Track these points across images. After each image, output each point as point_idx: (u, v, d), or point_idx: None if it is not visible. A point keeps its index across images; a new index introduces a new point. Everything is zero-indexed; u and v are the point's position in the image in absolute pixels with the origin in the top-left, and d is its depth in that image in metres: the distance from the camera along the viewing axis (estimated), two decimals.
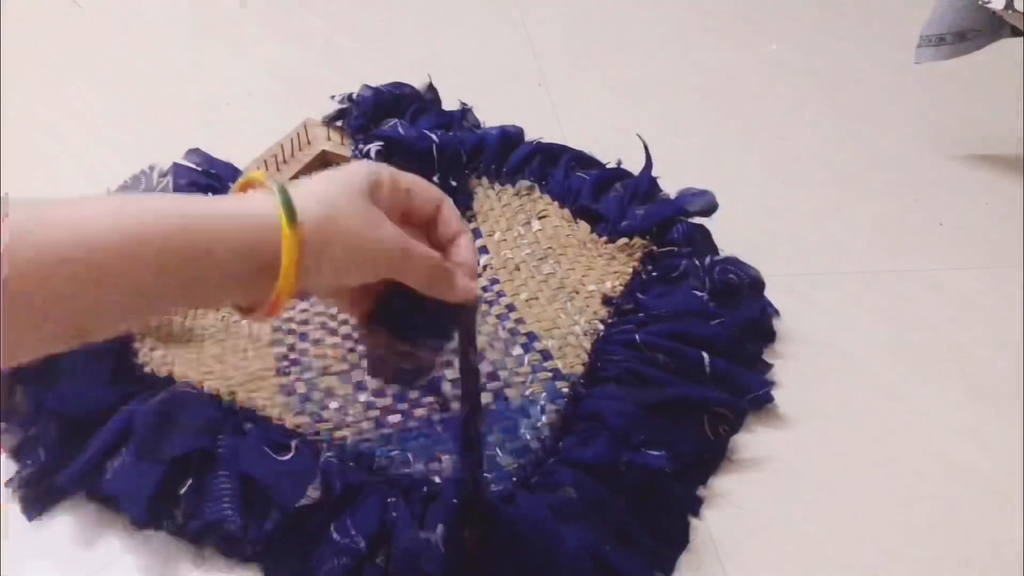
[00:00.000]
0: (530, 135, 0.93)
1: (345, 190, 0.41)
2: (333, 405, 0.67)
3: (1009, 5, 0.91)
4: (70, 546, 0.60)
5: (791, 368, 0.75)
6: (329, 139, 0.93)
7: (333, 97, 0.94)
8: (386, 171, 0.45)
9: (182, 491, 0.59)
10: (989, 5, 0.93)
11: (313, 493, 0.58)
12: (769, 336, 0.77)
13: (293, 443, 0.62)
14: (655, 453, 0.63)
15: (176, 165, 0.82)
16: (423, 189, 0.47)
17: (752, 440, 0.70)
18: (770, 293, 0.80)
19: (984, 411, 0.73)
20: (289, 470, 0.60)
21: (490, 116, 0.95)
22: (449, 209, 0.48)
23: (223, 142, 0.86)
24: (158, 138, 0.96)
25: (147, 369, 0.68)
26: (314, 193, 0.40)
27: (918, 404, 0.74)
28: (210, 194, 0.78)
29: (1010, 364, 0.77)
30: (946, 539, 0.64)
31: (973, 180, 0.99)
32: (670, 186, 0.85)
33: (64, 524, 0.61)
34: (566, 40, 1.19)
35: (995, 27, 0.96)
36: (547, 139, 0.92)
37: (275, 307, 0.39)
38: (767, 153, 1.02)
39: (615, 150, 0.90)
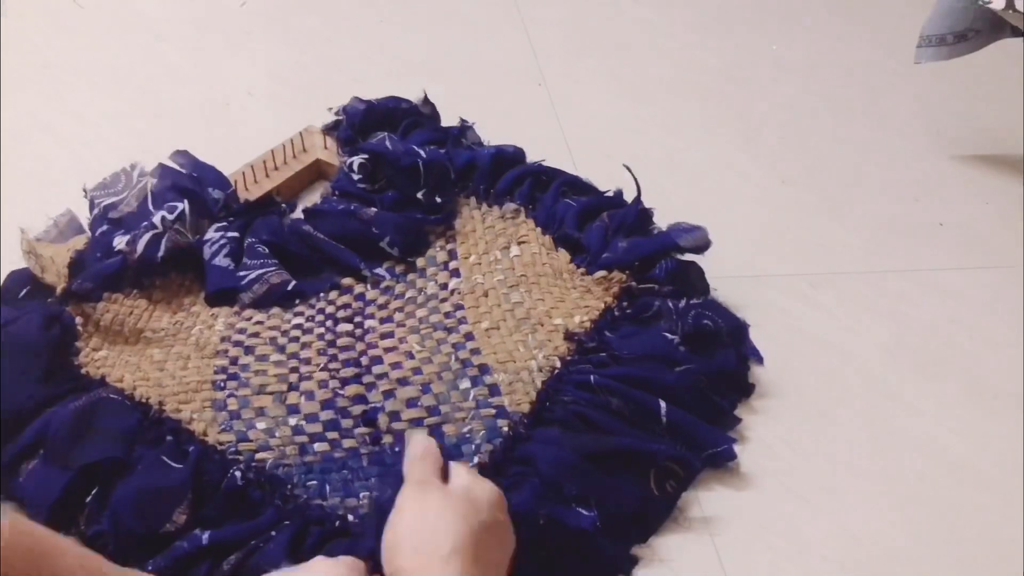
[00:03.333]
0: (530, 135, 0.93)
1: None
2: (261, 425, 0.65)
3: (1009, 5, 0.91)
4: None
5: (790, 367, 0.75)
6: (326, 147, 0.91)
7: (330, 109, 0.94)
8: None
9: (88, 499, 0.59)
10: (989, 5, 0.93)
11: (179, 519, 0.58)
12: (744, 389, 0.72)
13: (191, 448, 0.62)
14: (583, 511, 0.59)
15: (161, 166, 0.81)
16: None
17: (750, 449, 0.70)
18: (770, 293, 0.80)
19: (984, 411, 0.73)
20: (169, 486, 0.59)
21: (490, 116, 0.95)
22: None
23: (222, 142, 0.86)
24: (157, 138, 0.96)
25: (83, 370, 0.67)
26: None
27: (918, 404, 0.74)
28: (184, 201, 0.77)
29: (1010, 364, 0.78)
30: (946, 539, 0.64)
31: (973, 180, 0.99)
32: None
33: None
34: (566, 40, 1.19)
35: (995, 27, 0.96)
36: (547, 139, 0.92)
37: None
38: (767, 153, 1.02)
39: (615, 150, 0.90)
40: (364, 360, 0.71)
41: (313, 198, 0.88)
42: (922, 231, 0.92)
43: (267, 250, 0.78)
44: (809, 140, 1.04)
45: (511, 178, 0.86)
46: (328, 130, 0.93)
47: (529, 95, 1.08)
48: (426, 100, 0.95)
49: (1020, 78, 1.10)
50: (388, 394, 0.68)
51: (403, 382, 0.69)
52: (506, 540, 0.54)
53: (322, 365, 0.71)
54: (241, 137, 0.93)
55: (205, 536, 0.57)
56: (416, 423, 0.66)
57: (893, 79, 1.14)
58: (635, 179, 0.81)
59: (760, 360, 0.75)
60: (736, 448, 0.67)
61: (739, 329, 0.75)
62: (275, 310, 0.75)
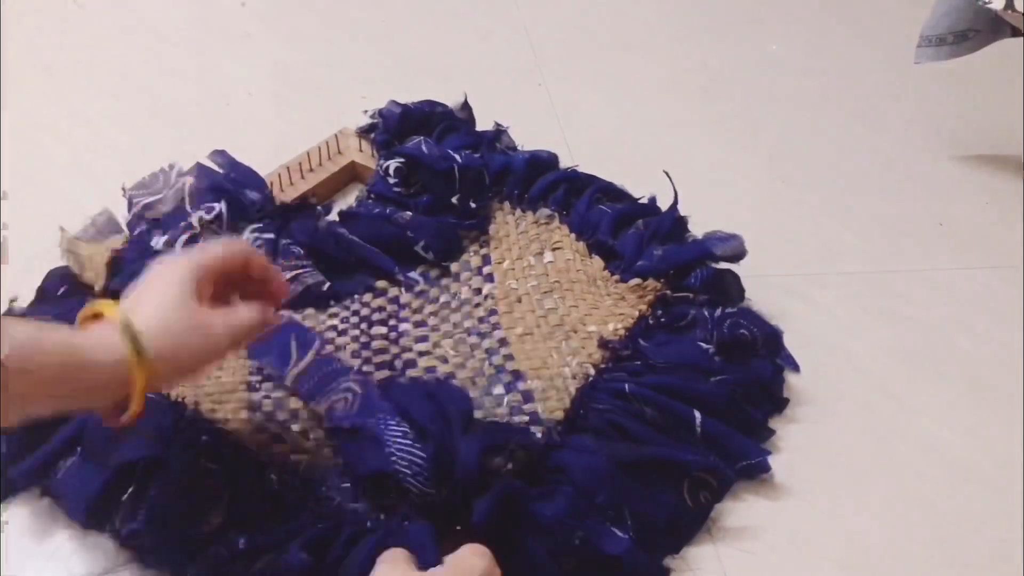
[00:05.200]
0: (530, 135, 0.93)
1: (177, 304, 0.52)
2: (295, 428, 0.65)
3: (1009, 5, 0.91)
4: (19, 538, 0.60)
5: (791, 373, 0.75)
6: (361, 150, 0.91)
7: (366, 111, 0.94)
8: (203, 262, 0.55)
9: (124, 497, 0.59)
10: (989, 5, 0.93)
11: (214, 520, 0.58)
12: (778, 403, 0.72)
13: (227, 449, 0.62)
14: (618, 532, 0.59)
15: (199, 166, 0.82)
16: (233, 256, 0.58)
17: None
18: (770, 293, 0.80)
19: (984, 411, 0.73)
20: (205, 487, 0.59)
21: (490, 116, 0.95)
22: (256, 257, 0.60)
23: (222, 142, 0.85)
24: (158, 138, 0.96)
25: None
26: (153, 320, 0.50)
27: (918, 404, 0.74)
28: (222, 202, 0.78)
29: (1010, 364, 0.78)
30: (946, 539, 0.64)
31: (973, 180, 0.99)
32: (679, 184, 0.85)
33: (18, 517, 0.61)
34: (566, 40, 1.19)
35: (995, 27, 0.96)
36: (547, 140, 0.92)
37: (130, 421, 0.51)
38: (767, 153, 1.02)
39: (615, 150, 0.90)
40: (398, 363, 0.71)
41: (348, 200, 0.89)
42: (922, 231, 0.92)
43: (302, 252, 0.78)
44: (809, 140, 1.04)
45: (545, 184, 0.86)
46: (363, 132, 0.93)
47: (529, 95, 1.08)
48: (464, 104, 0.95)
49: (1020, 78, 1.10)
50: None
51: None
52: None
53: (356, 368, 0.70)
54: (241, 137, 0.92)
55: (242, 541, 0.57)
56: None
57: (893, 79, 1.14)
58: (673, 186, 0.80)
59: (796, 368, 0.74)
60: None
61: (774, 337, 0.74)
62: (309, 311, 0.75)
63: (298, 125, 0.94)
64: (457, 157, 0.83)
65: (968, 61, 0.99)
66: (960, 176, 1.00)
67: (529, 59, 1.14)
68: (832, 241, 0.90)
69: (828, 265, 0.87)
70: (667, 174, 0.80)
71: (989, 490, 0.67)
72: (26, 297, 0.73)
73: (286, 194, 0.85)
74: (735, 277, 0.79)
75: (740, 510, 0.65)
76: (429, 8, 1.23)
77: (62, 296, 0.73)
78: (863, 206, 0.95)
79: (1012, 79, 1.11)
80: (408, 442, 0.57)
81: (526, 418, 0.66)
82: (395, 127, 0.90)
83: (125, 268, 0.73)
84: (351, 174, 0.91)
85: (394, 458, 0.57)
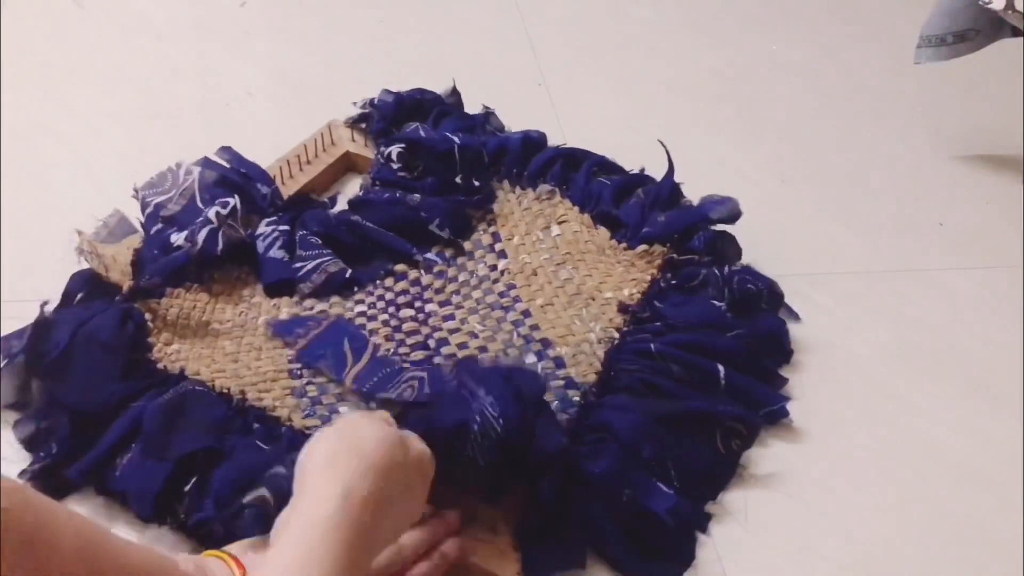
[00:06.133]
0: None
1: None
2: (343, 410, 0.66)
3: (1009, 5, 0.91)
4: None
5: (790, 367, 0.75)
6: (353, 140, 0.93)
7: (355, 103, 0.94)
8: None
9: (186, 488, 0.60)
10: (989, 5, 0.93)
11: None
12: (785, 355, 0.76)
13: (283, 430, 0.62)
14: (664, 487, 0.62)
15: (205, 160, 0.82)
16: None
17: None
18: None
19: (984, 411, 0.73)
20: (267, 465, 0.59)
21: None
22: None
23: (222, 142, 0.85)
24: (158, 138, 0.96)
25: (160, 365, 0.68)
26: None
27: (918, 404, 0.74)
28: (235, 196, 0.78)
29: (1010, 364, 0.78)
30: (946, 539, 0.64)
31: (973, 180, 0.99)
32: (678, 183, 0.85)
33: None
34: (566, 40, 1.19)
35: (995, 27, 0.96)
36: (548, 140, 0.92)
37: None
38: (767, 153, 1.02)
39: (615, 150, 0.90)
40: (431, 343, 0.73)
41: (345, 189, 0.90)
42: (922, 231, 0.92)
43: (320, 241, 0.79)
44: (809, 140, 1.04)
45: (542, 161, 0.88)
46: (354, 123, 0.94)
47: (529, 95, 1.08)
48: (453, 91, 0.97)
49: (1020, 78, 1.10)
50: None
51: None
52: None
53: (392, 350, 0.71)
54: (241, 137, 0.92)
55: None
56: None
57: (893, 79, 1.14)
58: (668, 155, 0.83)
59: (797, 318, 0.78)
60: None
61: (774, 290, 0.79)
62: (335, 298, 0.77)
63: (298, 125, 0.94)
64: (455, 138, 0.85)
65: (968, 61, 0.99)
66: (960, 176, 1.00)
67: (529, 59, 1.14)
68: (832, 241, 0.90)
69: (828, 265, 0.87)
70: (662, 143, 0.83)
71: (989, 490, 0.67)
72: (22, 295, 0.73)
73: (287, 187, 0.86)
74: (732, 238, 0.82)
75: (739, 505, 0.65)
76: (429, 8, 1.23)
77: (83, 299, 0.72)
78: (863, 206, 0.95)
79: (1012, 79, 1.11)
80: (495, 412, 0.58)
81: (562, 382, 0.69)
82: (391, 115, 0.92)
83: (147, 267, 0.74)
84: (346, 165, 0.93)
85: (478, 417, 0.58)
